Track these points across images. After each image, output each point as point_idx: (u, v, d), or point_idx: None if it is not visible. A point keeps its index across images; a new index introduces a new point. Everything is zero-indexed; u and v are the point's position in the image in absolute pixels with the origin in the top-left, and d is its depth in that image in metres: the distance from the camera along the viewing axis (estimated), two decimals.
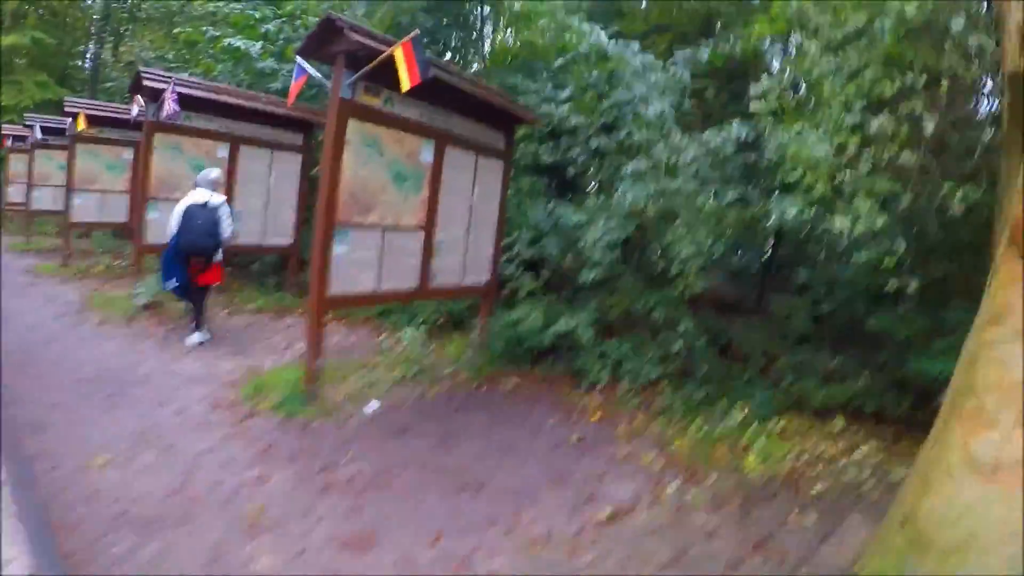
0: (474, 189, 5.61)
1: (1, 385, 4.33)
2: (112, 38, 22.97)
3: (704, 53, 5.91)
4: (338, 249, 4.44)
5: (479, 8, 8.90)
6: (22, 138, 12.28)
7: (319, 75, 4.62)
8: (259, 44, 8.73)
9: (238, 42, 8.45)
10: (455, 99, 5.06)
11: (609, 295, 6.00)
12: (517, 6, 8.64)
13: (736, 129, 5.67)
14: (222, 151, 7.49)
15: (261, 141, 7.75)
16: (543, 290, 6.29)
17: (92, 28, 25.24)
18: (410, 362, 5.47)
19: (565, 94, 6.62)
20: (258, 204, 7.73)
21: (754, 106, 5.19)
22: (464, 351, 5.99)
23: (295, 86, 4.81)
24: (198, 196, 5.77)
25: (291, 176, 8.14)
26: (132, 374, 5.00)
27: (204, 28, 9.33)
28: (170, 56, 12.73)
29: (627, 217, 5.60)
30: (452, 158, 5.27)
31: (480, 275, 5.94)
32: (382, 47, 3.99)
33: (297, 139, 8.13)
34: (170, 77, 6.44)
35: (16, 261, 10.56)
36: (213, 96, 6.93)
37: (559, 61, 6.64)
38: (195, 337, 5.95)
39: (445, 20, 8.68)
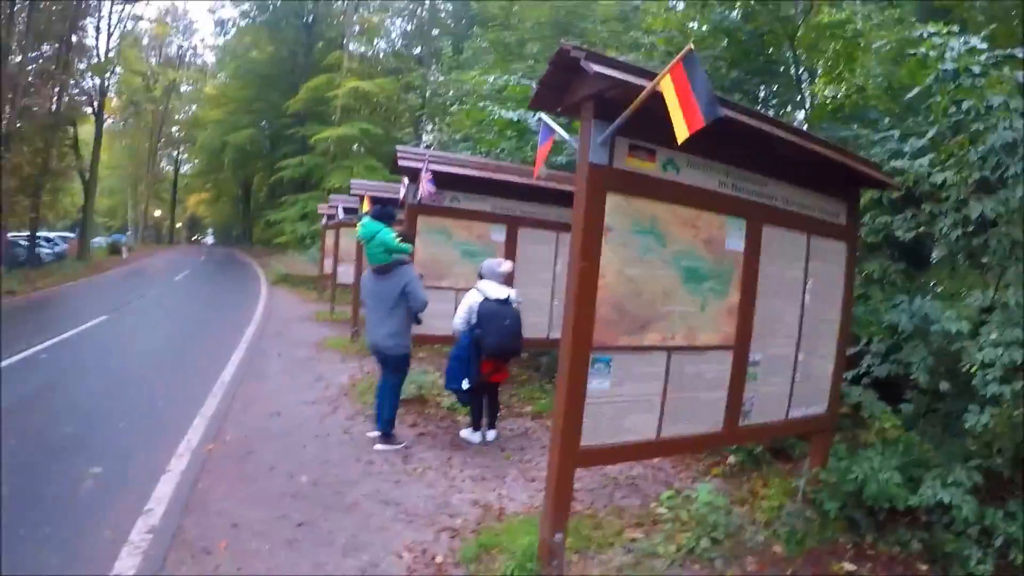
0: (805, 283, 3.85)
1: None
2: (429, 123, 26.60)
3: None
4: (595, 383, 3.05)
5: (792, 54, 7.05)
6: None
7: (567, 136, 3.41)
8: (537, 116, 8.11)
9: (510, 114, 7.93)
10: (770, 157, 3.45)
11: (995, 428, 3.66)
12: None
13: None
14: (497, 234, 6.75)
15: (543, 222, 6.93)
16: (903, 424, 4.18)
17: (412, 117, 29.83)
18: (703, 525, 3.76)
19: (920, 142, 4.46)
20: (543, 293, 6.85)
21: None
22: (783, 507, 4.07)
23: (541, 152, 3.68)
24: (494, 290, 5.11)
25: None
26: (344, 495, 4.27)
27: (482, 104, 9.10)
28: (457, 136, 13.24)
29: None
30: (772, 242, 3.63)
31: (814, 404, 4.06)
32: (641, 81, 2.60)
33: None
34: (423, 155, 5.93)
35: (314, 331, 11.46)
36: (475, 173, 6.23)
37: (913, 93, 4.54)
38: (491, 435, 5.53)
39: (750, 71, 7.23)
